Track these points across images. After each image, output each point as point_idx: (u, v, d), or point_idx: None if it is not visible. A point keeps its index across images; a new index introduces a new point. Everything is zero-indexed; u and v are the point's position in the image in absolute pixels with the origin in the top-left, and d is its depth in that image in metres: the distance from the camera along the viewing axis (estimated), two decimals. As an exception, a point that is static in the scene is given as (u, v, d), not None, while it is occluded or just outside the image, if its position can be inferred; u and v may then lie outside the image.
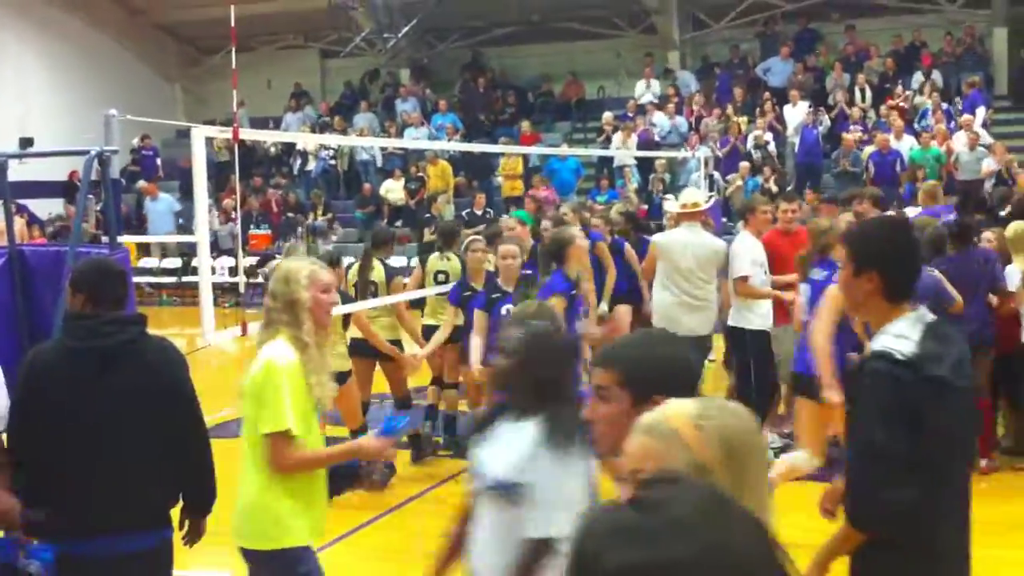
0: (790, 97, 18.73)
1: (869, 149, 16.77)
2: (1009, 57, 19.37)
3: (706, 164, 16.95)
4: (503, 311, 6.45)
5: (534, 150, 18.70)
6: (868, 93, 18.76)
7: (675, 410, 1.78)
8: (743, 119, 18.75)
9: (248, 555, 3.82)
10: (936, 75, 18.61)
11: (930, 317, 3.01)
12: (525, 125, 19.90)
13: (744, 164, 17.40)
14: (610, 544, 1.26)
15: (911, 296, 3.05)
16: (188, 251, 18.41)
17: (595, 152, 18.88)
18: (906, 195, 15.00)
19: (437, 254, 8.69)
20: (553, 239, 6.90)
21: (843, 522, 3.00)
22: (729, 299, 7.97)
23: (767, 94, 19.19)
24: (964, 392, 2.95)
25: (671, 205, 9.41)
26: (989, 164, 15.43)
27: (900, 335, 2.91)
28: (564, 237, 6.75)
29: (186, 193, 20.77)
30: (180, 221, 19.72)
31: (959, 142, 16.28)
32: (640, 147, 18.42)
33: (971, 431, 3.21)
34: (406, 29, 22.45)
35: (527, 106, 22.18)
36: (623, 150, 18.24)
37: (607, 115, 19.44)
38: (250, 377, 3.76)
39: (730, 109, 19.21)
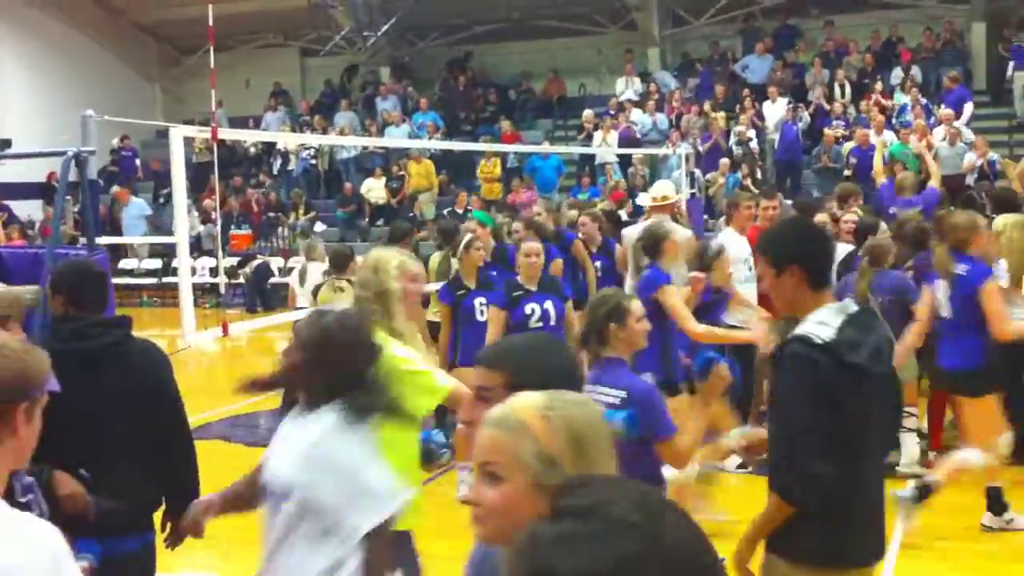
0: (770, 94, 18.79)
1: (849, 145, 16.82)
2: (987, 52, 19.46)
3: (687, 161, 16.99)
4: (528, 309, 6.51)
5: (515, 148, 18.69)
6: (847, 89, 18.83)
7: (522, 402, 1.80)
8: (723, 115, 18.78)
9: None
10: (915, 70, 18.69)
11: (853, 308, 3.18)
12: (506, 125, 19.88)
13: (724, 161, 17.44)
14: (560, 554, 1.25)
15: (830, 285, 3.28)
16: (168, 252, 18.32)
17: (577, 150, 18.90)
18: (888, 189, 15.02)
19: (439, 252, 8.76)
20: (649, 233, 6.65)
21: (769, 499, 3.12)
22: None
23: (747, 91, 19.24)
24: (880, 378, 3.14)
25: (644, 199, 9.68)
26: (970, 159, 15.49)
27: (821, 322, 3.07)
28: (660, 231, 6.56)
29: (159, 195, 20.78)
30: (146, 229, 19.36)
31: (938, 137, 16.34)
32: (621, 144, 18.45)
33: (889, 415, 3.44)
34: (386, 27, 22.42)
35: (508, 104, 22.17)
36: (605, 147, 18.27)
37: (587, 112, 19.46)
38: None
39: (709, 106, 19.24)
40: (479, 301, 7.05)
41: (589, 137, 18.86)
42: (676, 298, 6.08)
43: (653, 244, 6.44)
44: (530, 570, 1.27)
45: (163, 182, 20.97)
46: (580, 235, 9.13)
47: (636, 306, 4.12)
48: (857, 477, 3.09)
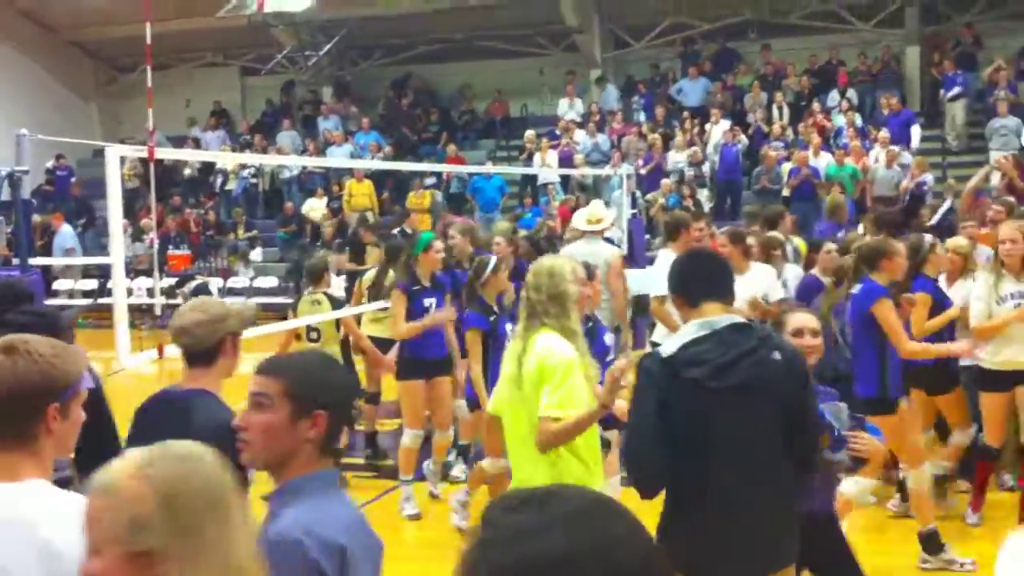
0: (711, 115, 19.01)
1: (788, 166, 17.06)
2: (921, 76, 19.87)
3: (628, 182, 17.10)
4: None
5: (458, 168, 18.70)
6: (786, 111, 19.11)
7: (121, 462, 1.65)
8: (663, 136, 18.95)
9: None
10: (852, 93, 19.03)
11: (721, 324, 3.49)
12: (451, 148, 19.74)
13: (665, 182, 17.57)
14: (497, 543, 1.23)
15: (707, 300, 3.59)
16: (105, 273, 17.99)
17: (519, 170, 18.93)
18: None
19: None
20: (869, 248, 6.30)
21: None
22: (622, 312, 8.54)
23: (687, 113, 19.45)
24: (718, 392, 3.40)
25: (578, 221, 9.73)
26: (905, 181, 15.79)
27: (680, 335, 3.55)
28: (882, 246, 6.19)
29: (80, 217, 20.42)
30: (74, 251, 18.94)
31: (874, 158, 16.64)
32: (562, 164, 18.54)
33: (732, 426, 3.44)
34: (328, 47, 22.33)
35: (451, 124, 22.17)
36: (547, 168, 18.34)
37: (529, 133, 19.53)
38: (536, 364, 4.04)
39: (648, 127, 19.42)
40: (509, 326, 6.59)
41: (531, 157, 18.92)
42: (893, 313, 5.90)
43: (873, 258, 6.05)
44: (465, 556, 1.26)
45: (81, 208, 20.67)
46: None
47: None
48: (707, 485, 3.45)
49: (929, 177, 15.89)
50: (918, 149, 17.70)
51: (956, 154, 18.08)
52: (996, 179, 15.38)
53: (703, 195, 17.85)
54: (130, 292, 15.54)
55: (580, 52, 22.07)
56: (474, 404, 6.77)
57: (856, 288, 5.97)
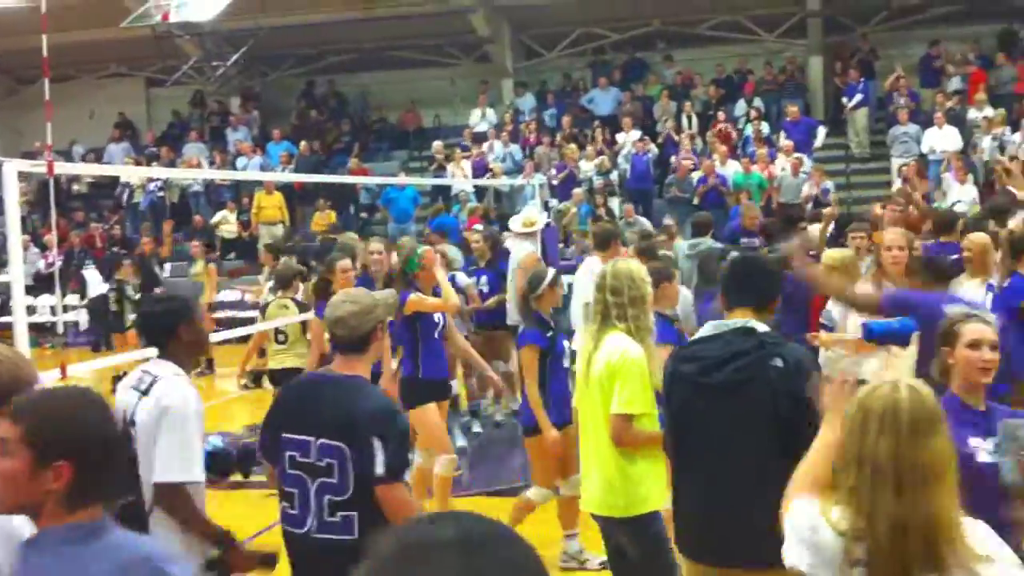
0: (622, 125, 19.19)
1: (696, 175, 17.29)
2: (824, 85, 20.33)
3: (541, 191, 17.19)
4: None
5: (370, 180, 18.56)
6: (694, 120, 19.39)
7: None
8: (575, 146, 19.08)
9: (604, 521, 4.64)
10: (758, 102, 19.37)
11: (733, 325, 3.74)
12: (353, 162, 19.48)
13: (577, 191, 17.67)
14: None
15: (732, 306, 3.86)
16: (4, 291, 17.45)
17: (433, 181, 18.87)
18: (733, 217, 15.48)
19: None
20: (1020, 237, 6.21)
21: None
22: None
23: (597, 122, 19.62)
24: (706, 387, 3.68)
25: (515, 224, 10.38)
26: (808, 188, 16.12)
27: (698, 333, 3.95)
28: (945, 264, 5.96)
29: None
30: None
31: (780, 167, 16.96)
32: (476, 175, 18.54)
33: (716, 421, 3.68)
34: (236, 57, 22.01)
35: (364, 134, 22.03)
36: (460, 178, 18.32)
37: (437, 144, 19.49)
38: (606, 363, 4.40)
39: (562, 137, 19.54)
40: (566, 343, 6.56)
41: (441, 168, 18.88)
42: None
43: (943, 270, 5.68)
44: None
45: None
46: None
47: None
48: (679, 474, 3.87)
49: (830, 184, 16.26)
50: (823, 157, 18.10)
51: (860, 161, 18.53)
52: (897, 186, 15.85)
53: (614, 203, 17.97)
54: (34, 311, 15.12)
55: (492, 62, 22.13)
56: (531, 429, 6.11)
57: None
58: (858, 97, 18.54)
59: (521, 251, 9.71)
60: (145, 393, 3.83)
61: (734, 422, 3.61)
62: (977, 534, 2.49)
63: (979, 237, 6.50)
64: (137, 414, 3.82)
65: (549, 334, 6.11)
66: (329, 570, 3.13)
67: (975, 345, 3.53)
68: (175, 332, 3.94)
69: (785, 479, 2.91)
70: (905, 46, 19.90)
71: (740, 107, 19.45)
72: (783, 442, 3.43)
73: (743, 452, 3.61)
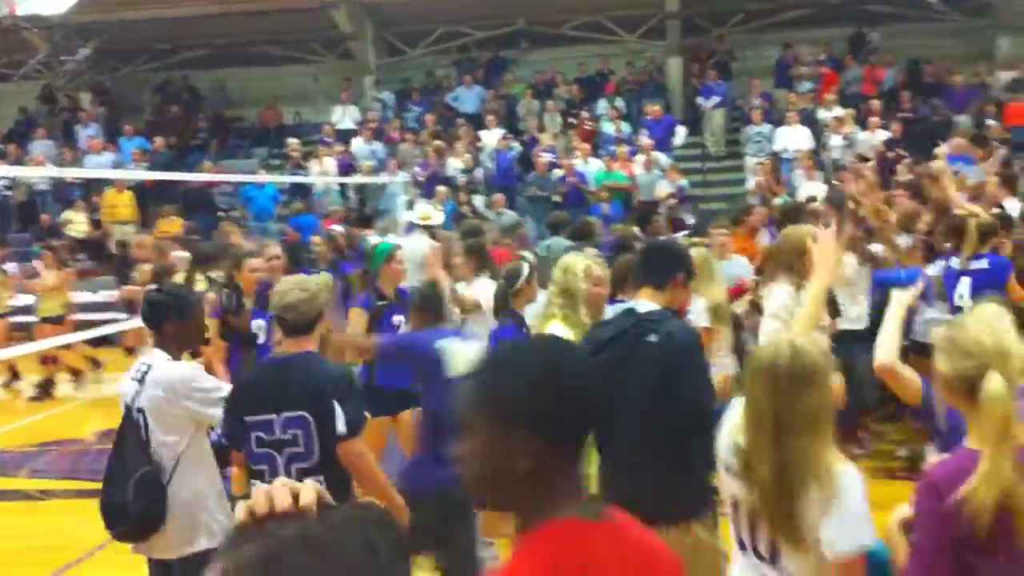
0: (486, 123, 19.17)
1: (559, 173, 17.38)
2: (683, 85, 20.71)
3: (406, 189, 17.06)
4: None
5: (228, 178, 18.10)
6: (557, 119, 19.51)
7: None
8: (440, 144, 18.97)
9: None
10: (619, 102, 19.61)
11: (625, 306, 4.13)
12: (207, 165, 18.78)
13: (441, 189, 17.55)
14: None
15: (639, 287, 4.22)
16: None
17: (292, 179, 18.50)
18: (595, 214, 15.61)
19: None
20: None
21: None
22: None
23: (461, 120, 19.56)
24: (599, 364, 3.73)
25: (411, 216, 11.15)
26: (664, 186, 16.37)
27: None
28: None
29: None
30: None
31: (639, 165, 17.18)
32: (339, 173, 18.28)
33: (612, 396, 3.78)
34: (87, 51, 21.21)
35: (222, 131, 21.49)
36: (323, 176, 18.02)
37: (292, 141, 19.13)
38: None
39: (428, 135, 19.41)
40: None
41: (298, 166, 18.54)
42: None
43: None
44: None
45: None
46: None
47: None
48: (604, 446, 4.02)
49: (685, 182, 16.55)
50: (681, 155, 18.43)
51: (715, 159, 18.92)
52: (751, 184, 16.26)
53: (478, 201, 17.92)
54: None
55: (354, 59, 21.86)
56: None
57: None
58: (715, 99, 18.92)
59: (413, 248, 9.62)
60: (141, 381, 4.30)
61: (626, 395, 3.85)
62: (845, 480, 2.77)
63: (697, 252, 6.72)
64: (140, 401, 4.29)
65: (525, 330, 5.93)
66: None
67: None
68: (161, 325, 4.41)
69: (678, 441, 3.53)
70: (760, 48, 20.42)
71: (602, 106, 19.64)
72: (668, 409, 3.86)
73: (638, 421, 3.91)
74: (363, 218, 17.23)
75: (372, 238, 11.68)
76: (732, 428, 3.02)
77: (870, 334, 6.82)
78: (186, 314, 4.45)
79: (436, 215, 11.36)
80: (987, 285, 6.56)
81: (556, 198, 16.98)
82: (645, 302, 4.14)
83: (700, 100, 19.27)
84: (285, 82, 22.07)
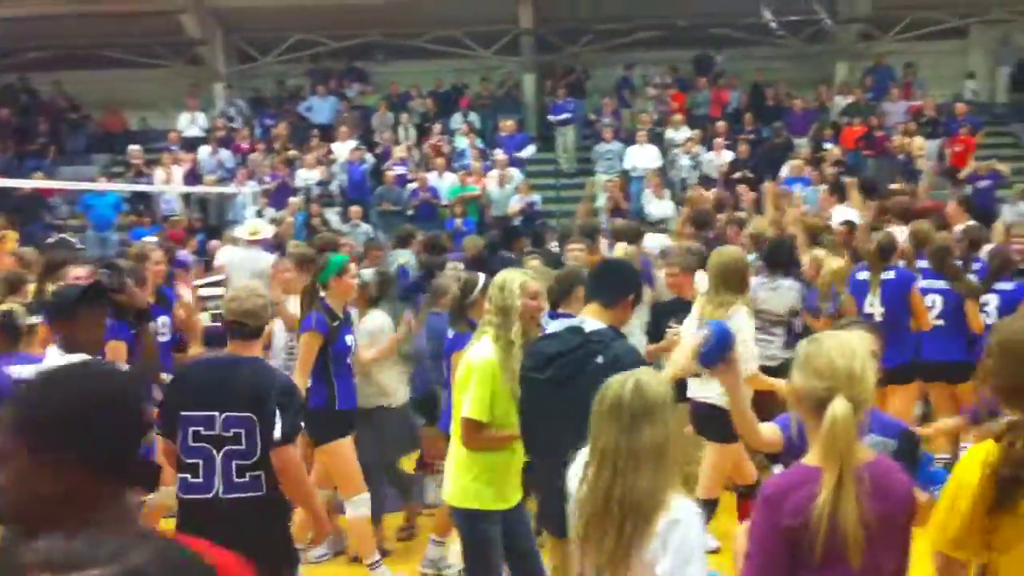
0: (339, 134, 18.95)
1: (412, 186, 17.31)
2: (537, 101, 20.93)
3: (255, 199, 16.70)
4: None
5: (67, 185, 17.35)
6: (412, 132, 19.44)
7: None
8: (291, 154, 18.67)
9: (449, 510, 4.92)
10: (473, 116, 19.67)
11: (571, 323, 4.24)
12: (38, 175, 17.93)
13: (293, 200, 17.27)
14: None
15: (588, 302, 4.37)
16: None
17: (135, 187, 17.89)
18: (448, 229, 15.60)
19: None
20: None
21: None
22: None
23: (315, 130, 19.29)
24: (538, 381, 4.12)
25: (240, 232, 11.11)
26: (516, 201, 16.49)
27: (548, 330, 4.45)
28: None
29: None
30: None
31: (493, 180, 17.27)
32: (185, 182, 17.78)
33: (549, 410, 4.07)
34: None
35: (62, 136, 20.64)
36: (169, 185, 17.50)
37: (133, 148, 18.54)
38: (466, 363, 4.60)
39: (281, 144, 19.07)
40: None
41: (140, 174, 17.96)
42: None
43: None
44: None
45: None
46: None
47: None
48: (535, 460, 4.27)
49: (537, 197, 16.71)
50: (534, 171, 18.61)
51: (568, 176, 19.17)
52: (603, 200, 16.54)
53: (331, 214, 17.67)
54: None
55: (204, 65, 21.34)
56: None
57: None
58: (565, 115, 19.18)
59: (255, 261, 10.27)
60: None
61: (566, 412, 3.84)
62: (682, 516, 2.85)
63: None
64: None
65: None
66: (240, 524, 4.06)
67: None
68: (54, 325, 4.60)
69: None
70: (611, 67, 20.81)
71: (456, 120, 19.68)
72: None
73: (580, 439, 3.83)
74: (208, 229, 16.84)
75: (220, 251, 11.44)
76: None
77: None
78: (71, 317, 4.52)
79: (265, 229, 11.38)
80: (895, 294, 7.29)
81: (409, 211, 16.93)
82: (591, 320, 4.23)
83: (551, 117, 19.51)
84: (130, 87, 21.37)
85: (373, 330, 6.75)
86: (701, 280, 7.12)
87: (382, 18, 20.54)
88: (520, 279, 4.67)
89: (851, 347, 2.79)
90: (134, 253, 7.46)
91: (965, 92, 19.87)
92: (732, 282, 5.71)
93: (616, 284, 4.39)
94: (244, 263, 10.62)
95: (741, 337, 5.25)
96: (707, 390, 5.80)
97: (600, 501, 2.89)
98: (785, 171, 16.03)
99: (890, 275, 7.45)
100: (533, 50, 21.07)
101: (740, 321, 5.44)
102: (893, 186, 13.14)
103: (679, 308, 6.58)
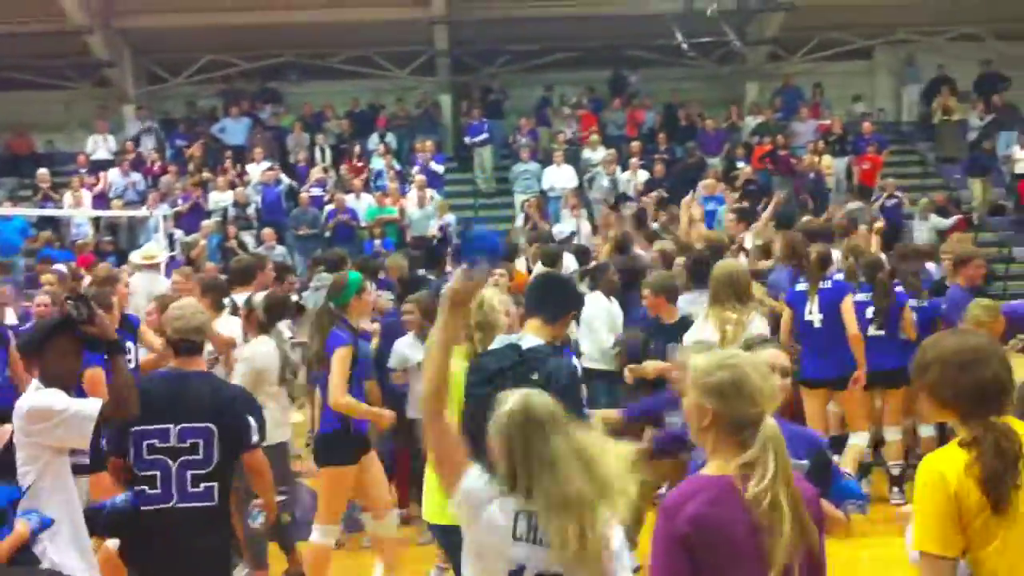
0: (253, 156, 18.68)
1: (330, 208, 17.14)
2: (454, 122, 20.92)
3: (166, 222, 16.38)
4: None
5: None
6: (328, 153, 19.26)
7: None
8: (204, 176, 18.37)
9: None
10: (390, 137, 19.58)
11: (509, 341, 4.27)
12: None
13: (206, 223, 16.97)
14: None
15: (528, 317, 4.38)
16: None
17: (43, 211, 17.42)
18: (367, 251, 15.48)
19: None
20: None
21: None
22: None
23: (229, 152, 19.00)
24: (480, 398, 3.95)
25: (135, 257, 11.00)
26: (435, 223, 16.45)
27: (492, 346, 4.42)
28: None
29: None
30: None
31: (412, 201, 17.19)
32: (95, 205, 17.40)
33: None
34: None
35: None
36: (78, 208, 17.11)
37: (42, 172, 18.11)
38: None
39: (195, 166, 18.76)
40: None
41: (47, 198, 17.52)
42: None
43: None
44: None
45: None
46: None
47: None
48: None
49: (452, 218, 16.69)
50: (453, 191, 18.60)
51: (486, 196, 19.20)
52: (520, 221, 16.59)
53: (248, 236, 17.38)
54: None
55: (112, 86, 20.92)
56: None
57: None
58: (482, 136, 19.22)
59: (152, 284, 10.20)
60: None
61: None
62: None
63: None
64: None
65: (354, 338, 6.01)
66: (193, 533, 4.38)
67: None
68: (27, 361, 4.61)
69: None
70: (528, 88, 20.92)
71: (373, 141, 19.55)
72: None
73: None
74: (118, 252, 16.47)
75: (133, 277, 11.16)
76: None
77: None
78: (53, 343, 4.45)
79: (160, 254, 11.32)
80: (832, 303, 7.63)
81: (327, 233, 16.77)
82: (530, 336, 4.25)
83: (467, 139, 19.51)
84: (37, 108, 20.84)
85: (249, 357, 6.46)
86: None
87: (295, 38, 20.36)
88: (497, 297, 4.73)
89: (766, 370, 2.93)
90: (100, 277, 7.27)
91: (856, 111, 20.32)
92: (742, 291, 5.99)
93: (560, 300, 4.42)
94: (140, 287, 10.32)
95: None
96: None
97: (545, 501, 3.06)
98: (699, 190, 16.26)
99: (827, 284, 7.74)
100: (449, 71, 21.08)
101: (760, 324, 5.94)
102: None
103: (662, 331, 6.75)
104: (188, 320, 4.73)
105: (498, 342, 4.35)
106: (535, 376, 4.05)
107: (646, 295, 6.97)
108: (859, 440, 7.69)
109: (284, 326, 7.31)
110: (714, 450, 2.84)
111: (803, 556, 2.75)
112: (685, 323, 6.57)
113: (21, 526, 3.99)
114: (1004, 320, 6.42)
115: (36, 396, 4.29)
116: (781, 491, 2.70)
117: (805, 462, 3.57)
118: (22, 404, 4.25)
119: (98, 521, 4.47)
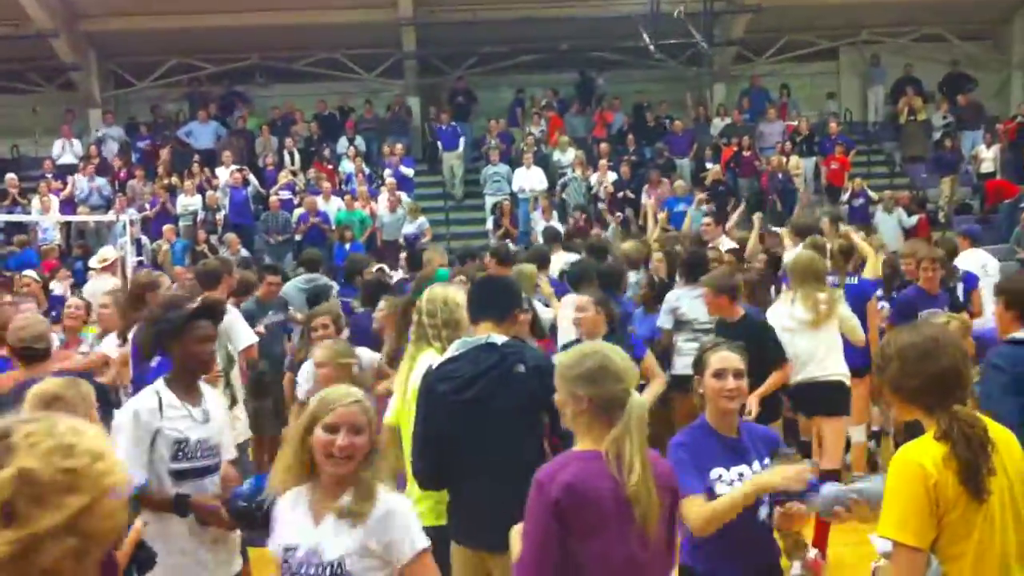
0: (224, 159, 18.54)
1: (300, 211, 17.07)
2: (422, 124, 20.88)
3: (133, 227, 16.24)
4: None
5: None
6: (296, 156, 19.16)
7: None
8: (171, 180, 18.23)
9: None
10: (359, 140, 19.50)
11: (475, 343, 4.18)
12: None
13: (168, 227, 16.83)
14: None
15: (477, 320, 4.34)
16: None
17: (9, 217, 17.23)
18: (337, 256, 15.42)
19: None
20: None
21: None
22: None
23: (196, 156, 18.85)
24: (461, 402, 4.06)
25: (93, 262, 11.01)
26: (408, 227, 16.42)
27: (447, 351, 4.27)
28: None
29: None
30: None
31: (382, 204, 17.14)
32: (62, 211, 17.23)
33: (475, 431, 4.06)
34: None
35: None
36: (46, 214, 16.92)
37: (10, 176, 17.92)
38: (418, 381, 4.37)
39: (164, 170, 18.60)
40: None
41: (15, 203, 17.33)
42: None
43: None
44: None
45: None
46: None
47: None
48: (454, 478, 4.14)
49: (424, 221, 16.66)
50: (423, 195, 18.55)
51: (456, 199, 19.16)
52: (490, 224, 16.58)
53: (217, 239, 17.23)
54: None
55: (77, 90, 20.72)
56: None
57: None
58: (459, 150, 19.19)
59: (106, 287, 9.91)
60: None
61: (495, 426, 4.04)
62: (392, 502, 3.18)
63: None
64: None
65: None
66: None
67: (720, 374, 3.75)
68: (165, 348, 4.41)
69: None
70: (496, 90, 20.92)
71: (343, 144, 19.47)
72: (536, 433, 4.11)
73: (508, 449, 4.04)
74: (87, 257, 16.32)
75: (88, 283, 11.12)
76: None
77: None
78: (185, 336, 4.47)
79: (112, 256, 11.27)
80: (858, 300, 7.68)
81: (298, 237, 16.69)
82: (495, 335, 4.25)
83: (444, 152, 19.40)
84: (1, 112, 20.62)
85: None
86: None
87: (262, 41, 20.25)
88: (461, 295, 4.67)
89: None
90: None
91: (828, 112, 20.46)
92: (821, 276, 6.76)
93: (504, 300, 4.45)
94: (95, 290, 10.32)
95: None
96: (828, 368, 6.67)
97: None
98: (666, 191, 16.33)
99: (853, 281, 7.93)
100: (416, 73, 21.04)
101: (846, 311, 6.93)
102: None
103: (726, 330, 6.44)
104: (30, 330, 4.97)
105: (458, 346, 4.27)
106: (520, 368, 4.11)
107: (706, 294, 6.77)
108: (858, 437, 7.72)
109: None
110: (587, 432, 3.07)
111: (660, 524, 3.00)
112: (748, 322, 6.50)
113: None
114: (972, 343, 6.43)
115: (120, 412, 4.29)
116: (638, 459, 2.94)
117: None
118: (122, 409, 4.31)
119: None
